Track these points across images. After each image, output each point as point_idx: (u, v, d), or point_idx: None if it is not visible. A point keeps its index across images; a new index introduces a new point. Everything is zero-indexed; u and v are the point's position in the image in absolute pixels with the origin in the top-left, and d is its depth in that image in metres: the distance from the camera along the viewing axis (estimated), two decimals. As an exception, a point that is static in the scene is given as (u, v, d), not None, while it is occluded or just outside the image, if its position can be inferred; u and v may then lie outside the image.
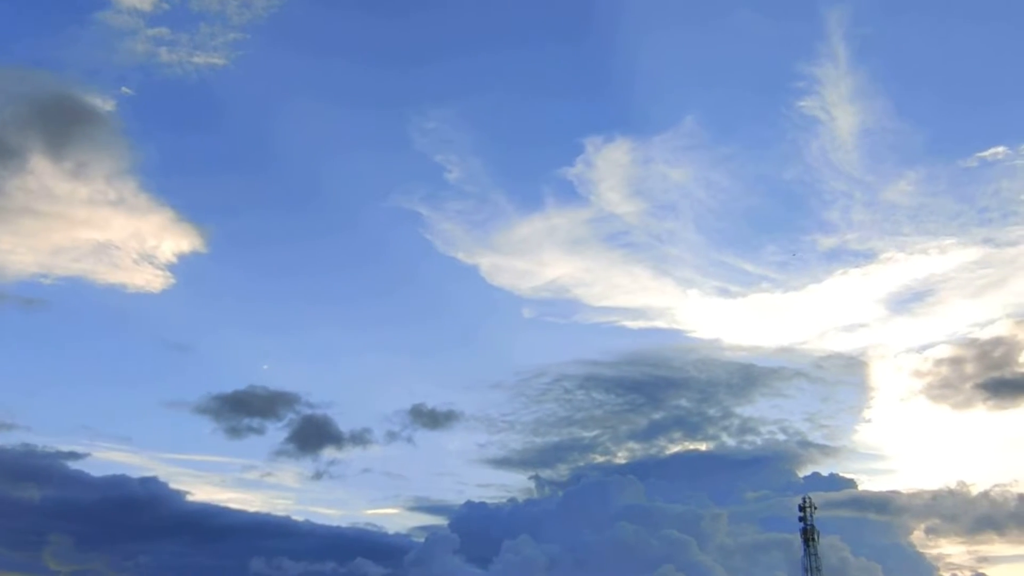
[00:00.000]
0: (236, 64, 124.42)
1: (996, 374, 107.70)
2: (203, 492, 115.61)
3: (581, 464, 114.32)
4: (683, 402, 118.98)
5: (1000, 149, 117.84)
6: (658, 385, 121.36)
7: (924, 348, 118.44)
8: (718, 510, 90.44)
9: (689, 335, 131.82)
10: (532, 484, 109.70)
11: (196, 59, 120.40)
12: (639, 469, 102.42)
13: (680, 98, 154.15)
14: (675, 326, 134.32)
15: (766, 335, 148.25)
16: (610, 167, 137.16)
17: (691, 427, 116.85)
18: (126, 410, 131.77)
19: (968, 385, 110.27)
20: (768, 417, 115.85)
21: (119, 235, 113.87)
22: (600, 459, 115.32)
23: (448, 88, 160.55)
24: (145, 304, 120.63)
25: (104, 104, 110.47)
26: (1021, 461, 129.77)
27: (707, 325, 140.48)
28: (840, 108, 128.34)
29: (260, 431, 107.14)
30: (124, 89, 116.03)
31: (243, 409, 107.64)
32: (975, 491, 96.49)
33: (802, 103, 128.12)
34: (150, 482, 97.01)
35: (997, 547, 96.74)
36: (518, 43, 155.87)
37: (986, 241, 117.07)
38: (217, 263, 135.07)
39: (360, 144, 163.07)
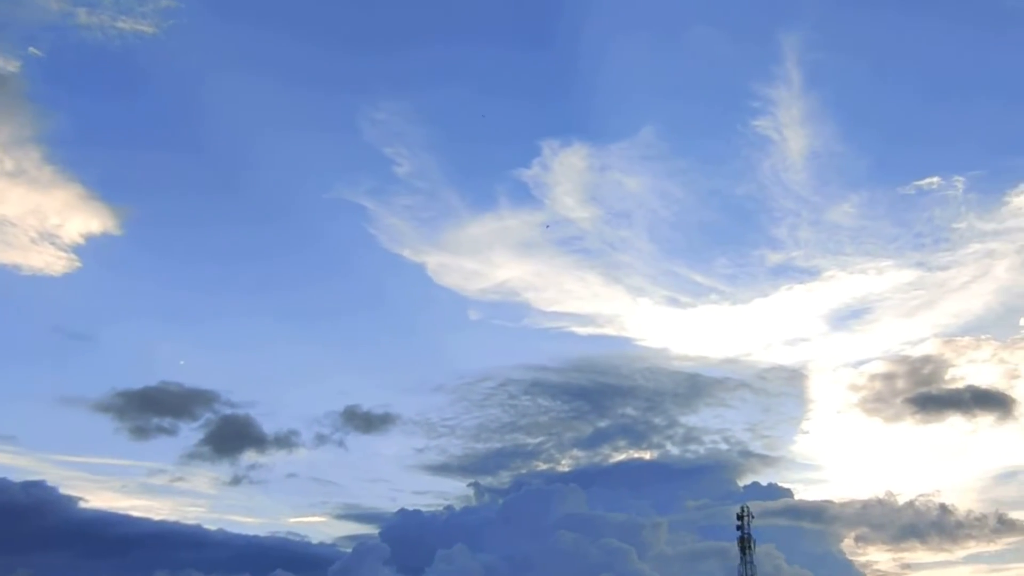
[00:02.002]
0: (167, 34, 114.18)
1: (924, 390, 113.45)
2: (100, 498, 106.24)
3: (523, 471, 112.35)
4: (629, 410, 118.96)
5: (935, 179, 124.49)
6: (605, 393, 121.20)
7: (860, 363, 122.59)
8: (659, 519, 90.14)
9: (637, 343, 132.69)
10: (471, 492, 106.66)
11: (121, 24, 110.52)
12: (582, 477, 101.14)
13: (640, 108, 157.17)
14: (624, 334, 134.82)
15: (712, 346, 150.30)
16: (566, 171, 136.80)
17: (636, 435, 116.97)
18: (11, 405, 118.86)
19: (898, 400, 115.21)
20: (711, 427, 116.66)
21: (15, 210, 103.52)
22: (543, 466, 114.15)
23: (403, 78, 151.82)
24: (42, 288, 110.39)
25: (6, 64, 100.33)
26: (944, 472, 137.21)
27: (655, 334, 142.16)
28: (792, 130, 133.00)
29: (171, 432, 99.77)
30: (32, 50, 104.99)
31: (152, 407, 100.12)
32: (901, 500, 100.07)
33: (756, 122, 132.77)
34: (35, 486, 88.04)
35: (919, 554, 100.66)
36: (480, 38, 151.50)
37: (919, 264, 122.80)
38: (132, 247, 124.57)
39: (303, 129, 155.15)
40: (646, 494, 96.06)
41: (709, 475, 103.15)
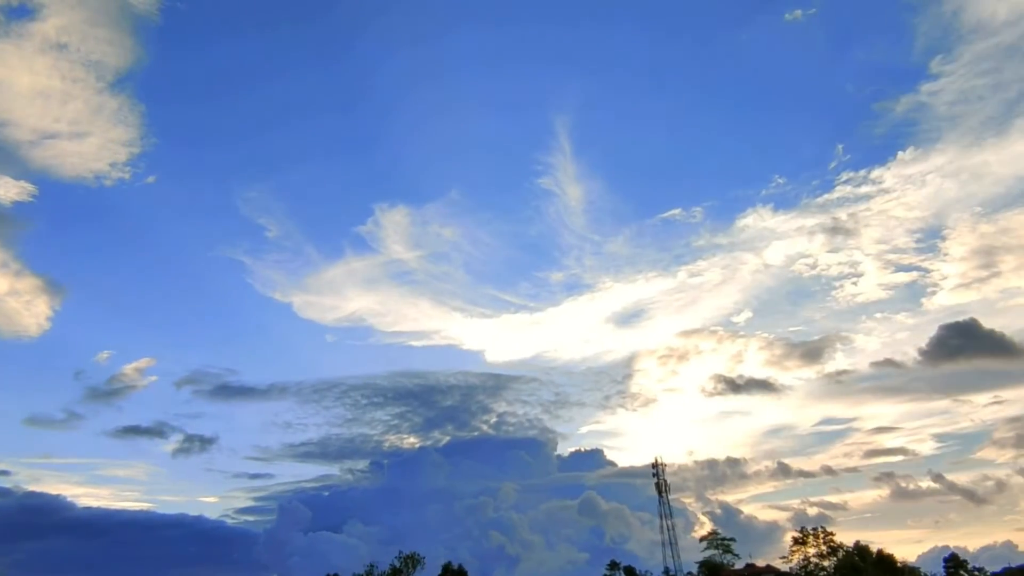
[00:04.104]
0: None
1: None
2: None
3: (374, 456, 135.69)
4: (448, 402, 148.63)
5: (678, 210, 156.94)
6: (432, 391, 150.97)
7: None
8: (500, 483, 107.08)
9: (459, 348, 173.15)
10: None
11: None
12: (424, 456, 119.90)
13: (446, 175, 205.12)
14: (448, 342, 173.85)
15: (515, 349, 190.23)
16: (394, 226, 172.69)
17: (459, 422, 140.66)
18: None
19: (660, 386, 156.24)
20: (517, 411, 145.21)
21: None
22: (388, 449, 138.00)
23: (265, 163, 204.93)
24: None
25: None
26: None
27: (471, 341, 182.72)
28: (569, 185, 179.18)
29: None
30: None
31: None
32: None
33: (540, 180, 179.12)
34: None
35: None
36: (321, 127, 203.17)
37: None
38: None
39: (197, 210, 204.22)
40: (479, 465, 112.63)
41: (528, 447, 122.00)
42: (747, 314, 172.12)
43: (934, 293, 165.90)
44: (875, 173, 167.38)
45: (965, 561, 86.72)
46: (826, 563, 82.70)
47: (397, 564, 71.33)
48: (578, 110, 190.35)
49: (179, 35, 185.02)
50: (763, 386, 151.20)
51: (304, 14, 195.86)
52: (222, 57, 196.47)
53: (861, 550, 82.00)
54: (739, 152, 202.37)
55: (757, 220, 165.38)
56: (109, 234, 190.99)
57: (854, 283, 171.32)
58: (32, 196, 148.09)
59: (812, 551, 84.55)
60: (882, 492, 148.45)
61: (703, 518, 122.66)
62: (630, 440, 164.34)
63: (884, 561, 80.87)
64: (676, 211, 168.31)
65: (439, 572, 77.05)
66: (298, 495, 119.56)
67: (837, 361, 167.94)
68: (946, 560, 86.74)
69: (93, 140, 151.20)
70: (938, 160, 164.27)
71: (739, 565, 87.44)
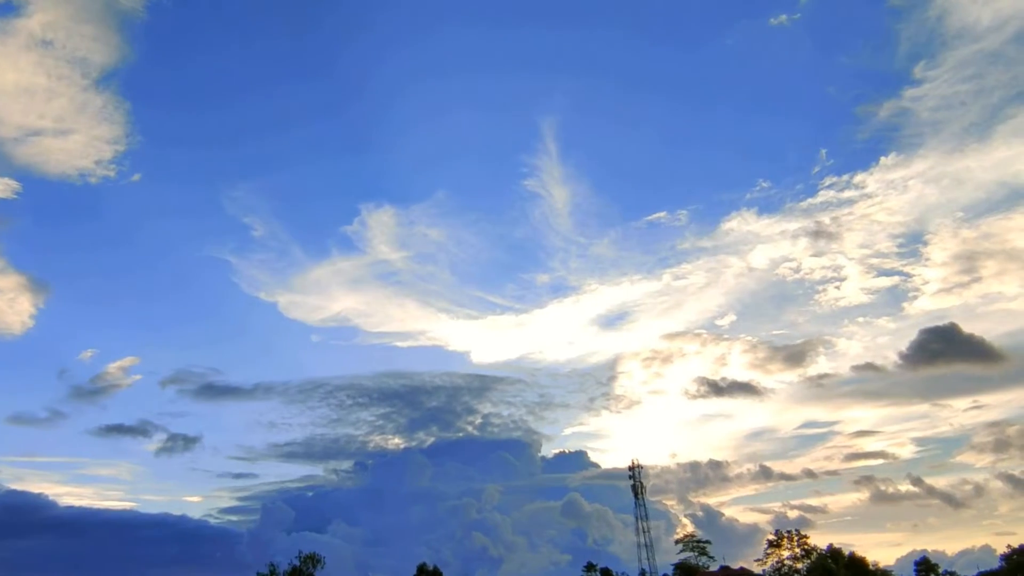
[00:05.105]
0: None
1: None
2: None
3: (358, 456, 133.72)
4: (434, 403, 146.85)
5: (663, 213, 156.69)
6: (416, 392, 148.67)
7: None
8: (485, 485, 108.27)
9: (445, 350, 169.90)
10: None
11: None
12: (408, 456, 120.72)
13: (432, 176, 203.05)
14: (434, 343, 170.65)
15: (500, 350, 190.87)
16: (380, 226, 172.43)
17: (444, 423, 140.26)
18: None
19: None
20: (502, 412, 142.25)
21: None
22: (373, 450, 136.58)
23: (251, 164, 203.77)
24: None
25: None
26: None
27: (457, 342, 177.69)
28: (555, 187, 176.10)
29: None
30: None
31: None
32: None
33: (526, 182, 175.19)
34: None
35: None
36: (305, 130, 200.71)
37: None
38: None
39: (183, 209, 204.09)
40: (463, 466, 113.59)
41: (512, 448, 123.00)
42: (731, 317, 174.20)
43: (915, 298, 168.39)
44: (858, 178, 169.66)
45: (936, 564, 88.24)
46: (799, 565, 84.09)
47: (297, 563, 72.88)
48: (564, 113, 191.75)
49: (165, 33, 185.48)
50: (746, 389, 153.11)
51: (291, 15, 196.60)
52: (208, 55, 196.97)
53: (834, 553, 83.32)
54: (724, 156, 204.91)
55: (741, 224, 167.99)
56: (94, 232, 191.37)
57: (837, 287, 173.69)
58: (16, 193, 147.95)
59: (786, 554, 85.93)
60: (862, 495, 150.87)
61: (685, 520, 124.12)
62: (614, 442, 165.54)
63: (856, 564, 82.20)
64: (661, 214, 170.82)
65: (414, 573, 78.38)
66: (282, 495, 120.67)
67: (819, 365, 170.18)
68: (917, 563, 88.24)
69: (78, 137, 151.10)
70: (920, 165, 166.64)
71: (714, 567, 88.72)
